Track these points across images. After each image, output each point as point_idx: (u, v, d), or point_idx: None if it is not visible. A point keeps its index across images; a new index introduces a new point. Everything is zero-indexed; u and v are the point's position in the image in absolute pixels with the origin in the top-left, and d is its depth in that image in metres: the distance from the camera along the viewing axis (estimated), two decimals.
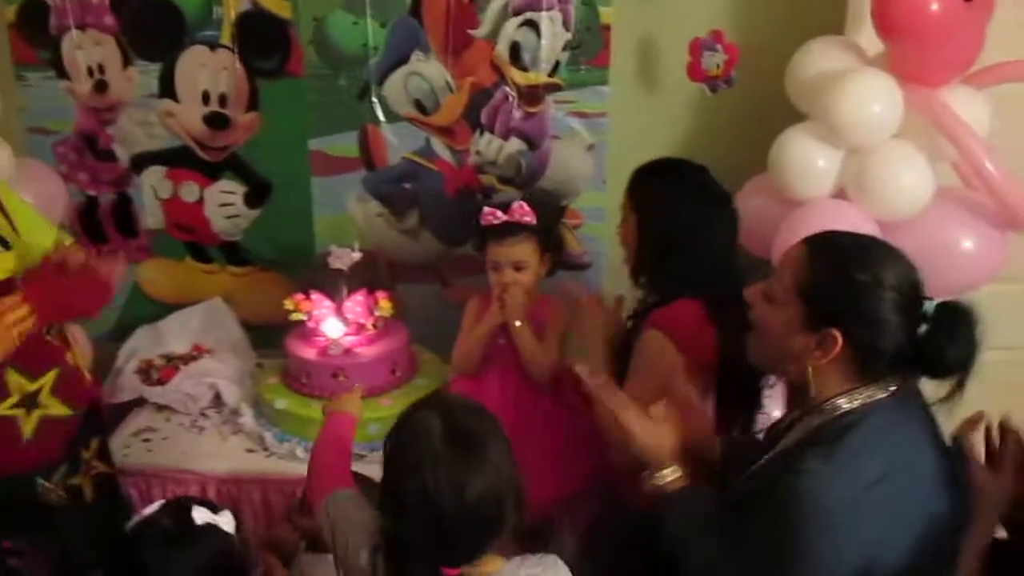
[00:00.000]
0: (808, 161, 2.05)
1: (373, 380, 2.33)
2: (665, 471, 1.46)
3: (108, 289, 1.93)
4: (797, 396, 1.42)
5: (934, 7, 1.85)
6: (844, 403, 1.31)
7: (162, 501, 1.65)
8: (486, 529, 1.26)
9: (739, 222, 1.85)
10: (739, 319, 1.52)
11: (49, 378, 1.84)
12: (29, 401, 1.81)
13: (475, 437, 1.26)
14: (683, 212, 1.78)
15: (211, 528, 1.57)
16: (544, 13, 2.43)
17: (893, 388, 1.32)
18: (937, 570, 1.33)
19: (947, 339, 1.27)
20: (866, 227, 2.01)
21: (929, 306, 1.30)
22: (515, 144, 2.56)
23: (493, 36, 2.47)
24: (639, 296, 1.91)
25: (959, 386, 1.30)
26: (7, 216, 1.90)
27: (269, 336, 2.62)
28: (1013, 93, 2.21)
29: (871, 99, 1.95)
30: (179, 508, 1.58)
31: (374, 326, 2.38)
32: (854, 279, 1.30)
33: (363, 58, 2.53)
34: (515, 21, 2.46)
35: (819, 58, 2.11)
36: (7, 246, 1.83)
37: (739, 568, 1.33)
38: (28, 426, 1.81)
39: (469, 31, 2.48)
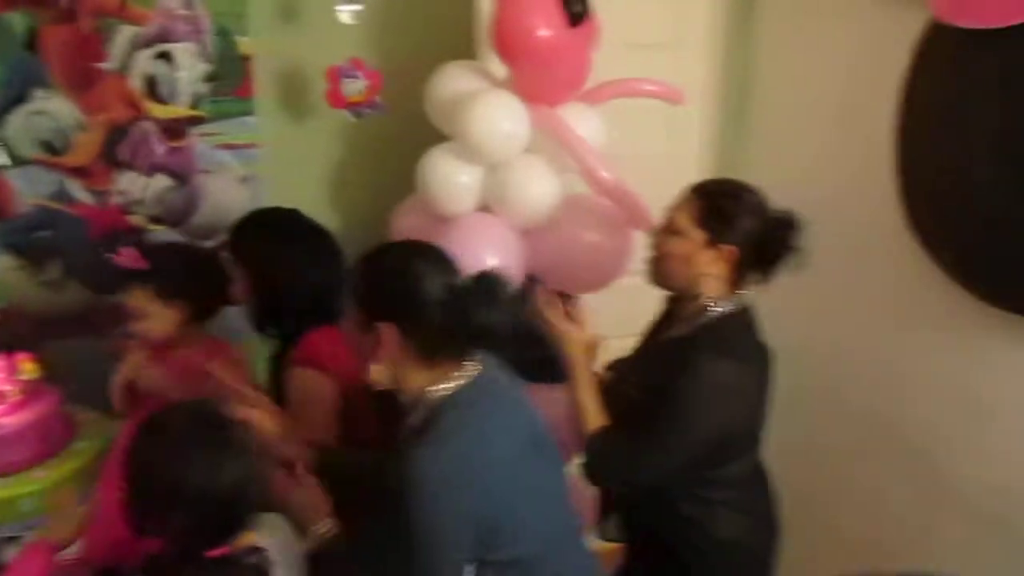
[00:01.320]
0: (451, 179, 2.15)
1: (21, 452, 2.10)
2: (318, 527, 1.55)
3: None
4: None
5: (542, 32, 2.02)
6: (434, 391, 1.45)
7: None
8: (241, 510, 1.35)
9: (340, 250, 1.96)
10: None
11: None
12: None
13: (220, 427, 1.37)
14: (287, 254, 1.88)
15: None
16: (178, 44, 2.34)
17: (477, 370, 1.48)
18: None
19: (476, 306, 1.42)
20: (509, 237, 2.17)
21: (463, 281, 1.46)
22: (162, 180, 2.43)
23: (125, 69, 2.34)
24: (272, 343, 1.97)
25: (506, 355, 1.51)
26: None
27: None
28: (631, 107, 2.49)
29: (500, 118, 2.09)
30: None
31: (18, 392, 2.15)
32: (383, 278, 1.47)
33: None
34: (147, 53, 2.34)
35: (453, 81, 2.23)
36: None
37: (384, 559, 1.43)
38: None
39: (97, 64, 2.32)
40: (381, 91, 2.35)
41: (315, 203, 2.04)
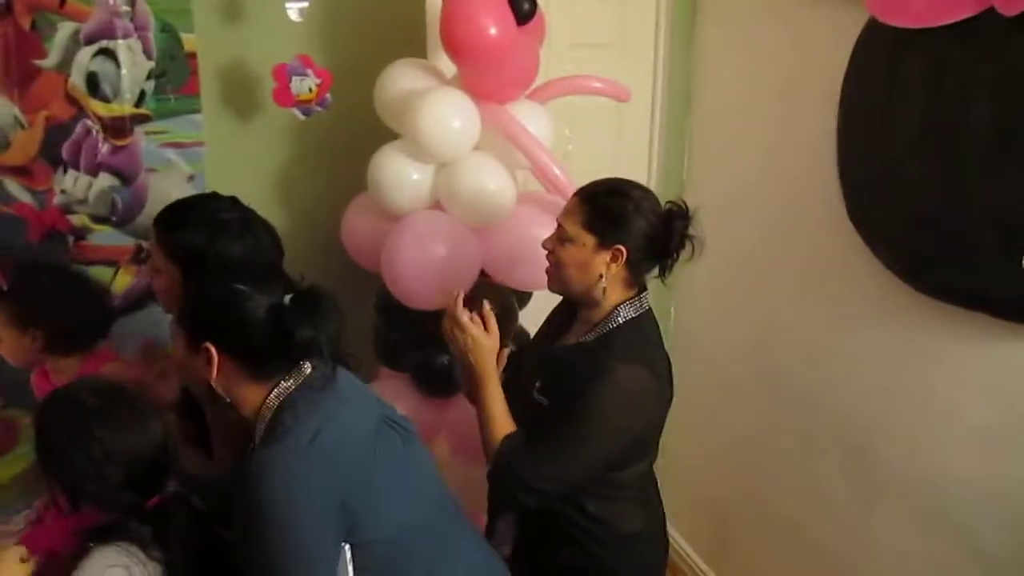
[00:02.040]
0: (403, 176, 2.16)
1: None
2: None
3: None
4: None
5: (491, 31, 2.03)
6: (272, 399, 1.48)
7: None
8: (164, 461, 1.47)
9: (277, 236, 1.85)
10: None
11: None
12: None
13: (121, 390, 1.47)
14: (222, 247, 1.73)
15: None
16: (120, 41, 2.29)
17: (307, 370, 1.51)
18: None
19: (298, 322, 1.44)
20: (461, 234, 2.18)
21: (285, 300, 1.47)
22: (106, 180, 2.38)
23: (65, 67, 2.28)
24: None
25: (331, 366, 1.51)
26: None
27: None
28: (582, 105, 2.52)
29: (450, 116, 2.10)
30: None
31: None
32: (204, 302, 1.50)
33: None
34: (89, 50, 2.29)
35: (401, 79, 2.23)
36: None
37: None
38: None
39: (35, 62, 2.27)
40: (330, 88, 2.33)
41: (263, 201, 1.97)
